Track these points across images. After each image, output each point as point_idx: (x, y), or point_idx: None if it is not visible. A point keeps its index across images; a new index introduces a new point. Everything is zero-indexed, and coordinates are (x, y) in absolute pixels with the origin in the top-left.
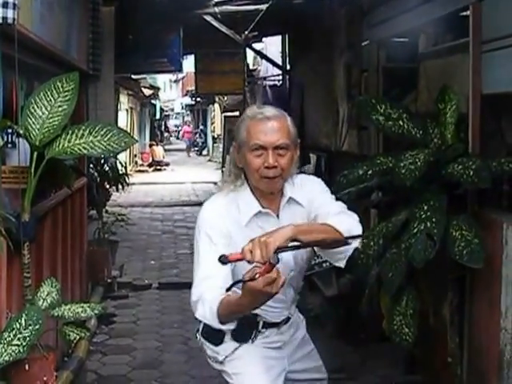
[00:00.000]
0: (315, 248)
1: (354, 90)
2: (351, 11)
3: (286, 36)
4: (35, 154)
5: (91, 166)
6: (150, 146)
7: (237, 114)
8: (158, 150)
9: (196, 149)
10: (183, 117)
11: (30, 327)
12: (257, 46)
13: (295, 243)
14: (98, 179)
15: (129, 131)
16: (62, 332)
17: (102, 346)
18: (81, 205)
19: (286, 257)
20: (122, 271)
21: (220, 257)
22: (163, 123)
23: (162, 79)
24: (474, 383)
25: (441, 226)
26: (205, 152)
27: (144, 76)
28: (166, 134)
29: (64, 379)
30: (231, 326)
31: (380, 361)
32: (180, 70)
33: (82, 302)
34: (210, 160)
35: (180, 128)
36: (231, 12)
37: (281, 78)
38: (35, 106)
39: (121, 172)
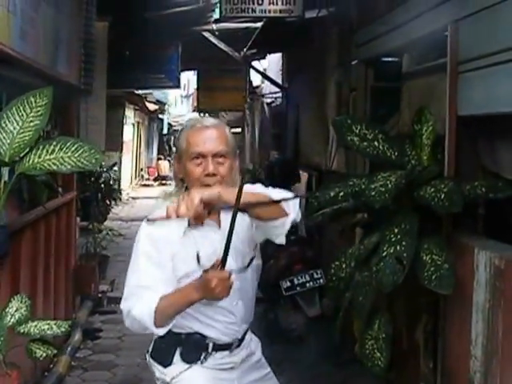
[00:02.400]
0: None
1: (343, 108)
2: (342, 29)
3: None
4: (5, 169)
5: (92, 179)
6: (158, 159)
7: (238, 130)
8: (164, 165)
9: None
10: None
11: None
12: (263, 63)
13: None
14: (98, 193)
15: (136, 145)
16: (29, 349)
17: (84, 362)
18: (68, 218)
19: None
20: (113, 286)
21: (147, 219)
22: (172, 138)
23: (173, 94)
24: None
25: (411, 249)
26: None
27: (150, 91)
28: (174, 149)
29: None
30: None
31: (360, 382)
32: (178, 86)
33: (49, 319)
34: None
35: None
36: (229, 29)
37: (280, 95)
38: (7, 121)
39: (114, 187)
